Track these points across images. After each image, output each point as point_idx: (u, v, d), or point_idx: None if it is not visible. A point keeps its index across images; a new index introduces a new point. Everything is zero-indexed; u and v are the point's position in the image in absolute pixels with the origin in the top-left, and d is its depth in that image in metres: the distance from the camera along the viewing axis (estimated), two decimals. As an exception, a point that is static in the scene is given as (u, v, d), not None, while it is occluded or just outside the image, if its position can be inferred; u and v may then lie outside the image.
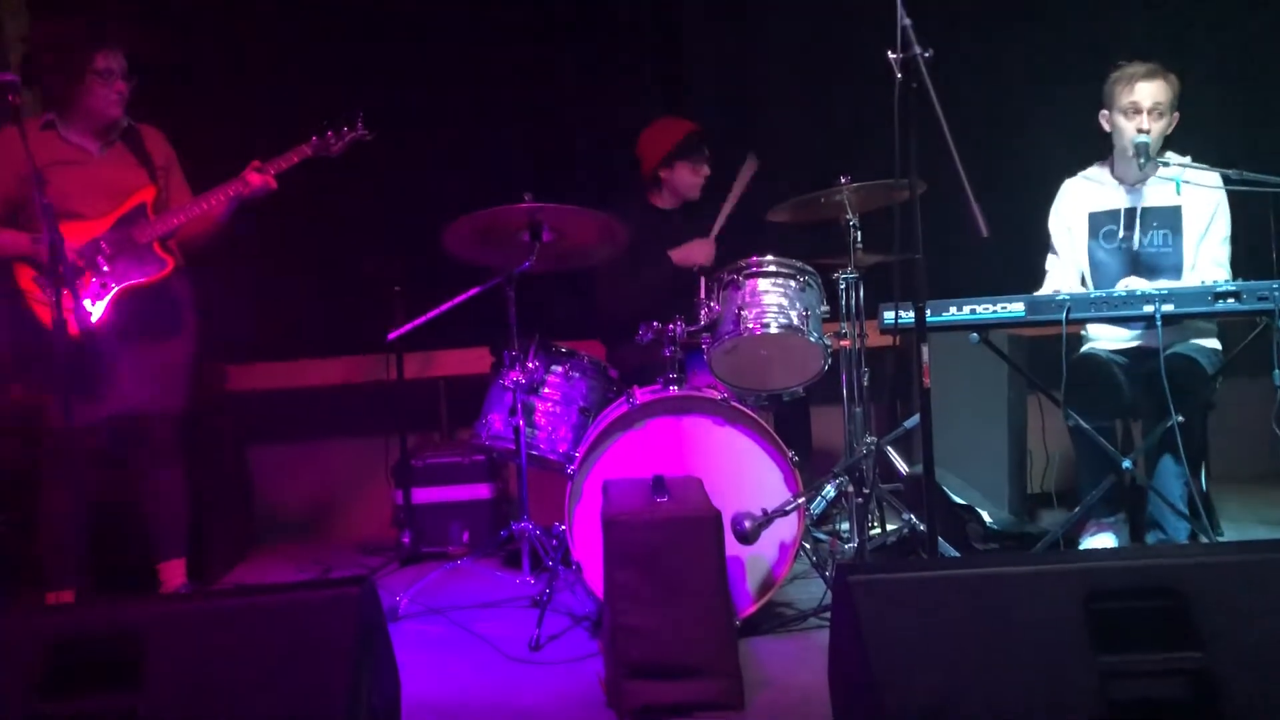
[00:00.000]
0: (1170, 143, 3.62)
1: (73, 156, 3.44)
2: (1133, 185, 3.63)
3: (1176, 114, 3.56)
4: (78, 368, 3.22)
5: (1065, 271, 3.70)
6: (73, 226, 3.30)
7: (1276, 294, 3.02)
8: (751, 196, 4.06)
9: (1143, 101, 3.51)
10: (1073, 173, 3.77)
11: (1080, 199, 3.70)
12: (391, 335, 3.87)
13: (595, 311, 4.21)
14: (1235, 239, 3.61)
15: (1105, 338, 3.65)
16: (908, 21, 2.52)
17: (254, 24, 4.64)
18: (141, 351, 3.49)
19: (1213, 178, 3.50)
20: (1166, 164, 3.55)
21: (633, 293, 3.98)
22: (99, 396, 3.39)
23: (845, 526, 3.72)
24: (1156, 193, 3.59)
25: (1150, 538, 3.56)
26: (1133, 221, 3.60)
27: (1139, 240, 3.59)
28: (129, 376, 3.47)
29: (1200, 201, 3.54)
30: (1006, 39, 4.69)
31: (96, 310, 3.36)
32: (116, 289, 3.40)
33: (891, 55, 2.52)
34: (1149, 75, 3.52)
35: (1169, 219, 3.57)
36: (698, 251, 4.05)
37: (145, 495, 3.63)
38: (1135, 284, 3.45)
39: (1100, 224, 3.65)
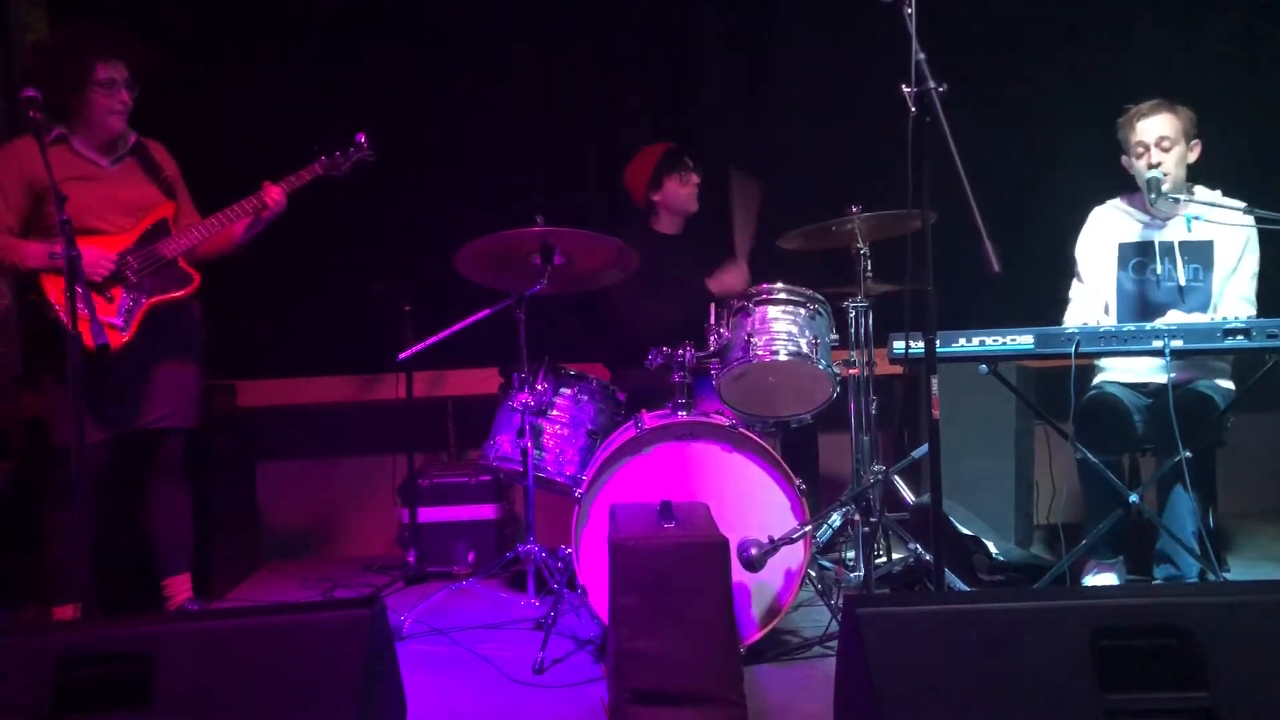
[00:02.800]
0: (1198, 176, 3.64)
1: (85, 172, 3.44)
2: (1164, 219, 3.65)
3: (1197, 143, 3.58)
4: (97, 384, 3.24)
5: (1090, 300, 3.71)
6: (92, 242, 3.32)
7: (1287, 331, 3.03)
8: (764, 222, 4.10)
9: (1147, 137, 3.54)
10: (1100, 201, 3.79)
11: (1110, 228, 3.72)
12: (402, 356, 3.89)
13: (607, 334, 4.23)
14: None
15: (1118, 371, 3.65)
16: (922, 56, 2.55)
17: (260, 46, 4.69)
18: (161, 368, 3.52)
19: (1234, 215, 3.51)
20: (1177, 199, 3.57)
21: (652, 316, 4.00)
22: (114, 412, 3.41)
23: (851, 555, 3.73)
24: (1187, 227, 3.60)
25: (1159, 572, 3.57)
26: (1163, 255, 3.61)
27: (1169, 274, 3.60)
28: (148, 392, 3.50)
29: (1231, 236, 3.56)
30: (1027, 70, 4.74)
31: (128, 326, 3.38)
32: (147, 303, 3.43)
33: (906, 89, 2.55)
34: (1151, 110, 3.56)
35: (1200, 254, 3.58)
36: (733, 279, 4.11)
37: (152, 511, 3.65)
38: (1174, 318, 3.45)
39: (1129, 255, 3.66)
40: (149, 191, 3.56)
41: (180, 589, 3.68)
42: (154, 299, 3.45)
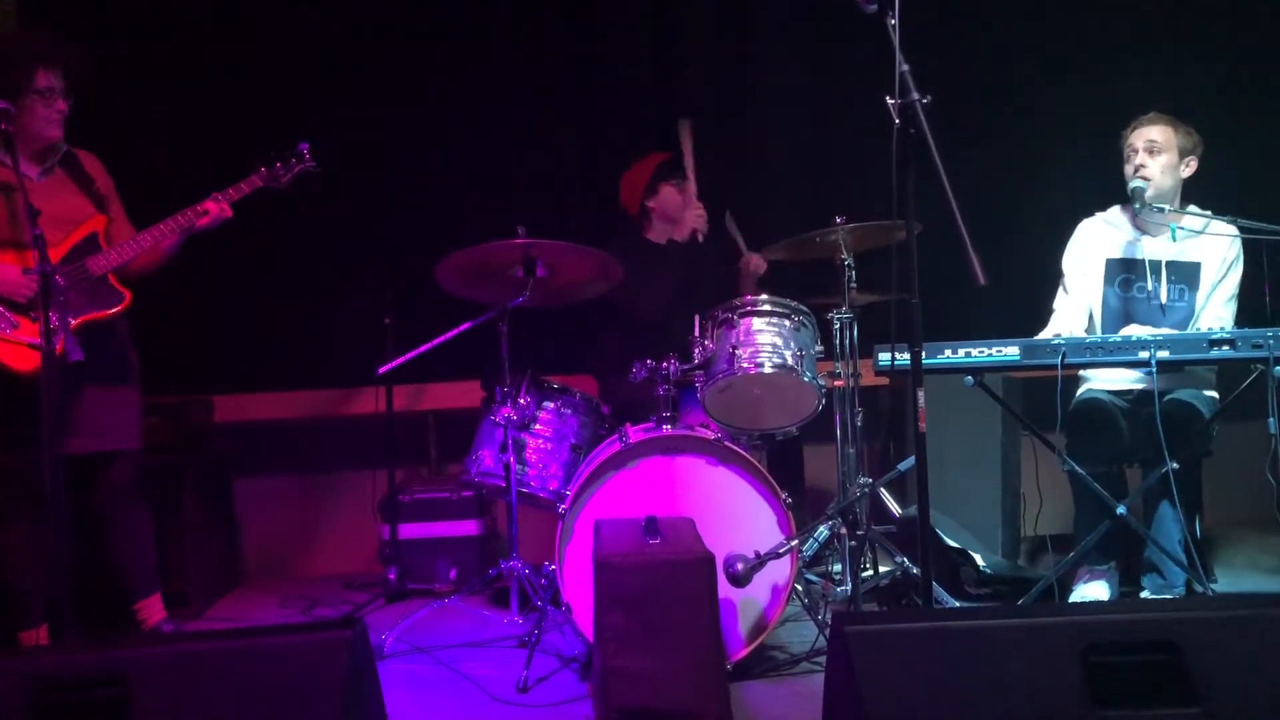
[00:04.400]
0: (1191, 195, 3.66)
1: (12, 182, 3.24)
2: (1153, 235, 3.66)
3: (1193, 160, 3.60)
4: (24, 406, 3.06)
5: (1074, 312, 3.73)
6: (18, 256, 3.22)
7: (1271, 342, 3.06)
8: (749, 235, 4.13)
9: (1137, 142, 3.57)
10: (1089, 213, 3.80)
11: (1097, 242, 3.74)
12: (382, 370, 3.87)
13: (596, 344, 4.22)
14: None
15: (1104, 379, 3.67)
16: (906, 68, 2.55)
17: (230, 50, 4.65)
18: (94, 390, 3.38)
19: (1218, 227, 3.54)
20: (1162, 209, 3.59)
21: (641, 325, 4.00)
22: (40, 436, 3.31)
23: (838, 569, 3.73)
24: (1176, 245, 3.62)
25: (1147, 581, 3.58)
26: (1150, 272, 3.63)
27: (1154, 291, 3.62)
28: (82, 416, 3.36)
29: (1217, 258, 3.59)
30: (1016, 81, 4.76)
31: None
32: (74, 323, 3.27)
33: (890, 101, 2.55)
34: (1150, 120, 3.60)
35: (1187, 273, 3.60)
36: (690, 217, 4.19)
37: (113, 539, 3.55)
38: (1137, 332, 3.47)
39: (1116, 271, 3.67)
40: (79, 204, 3.44)
41: (153, 611, 3.63)
42: (82, 318, 3.31)
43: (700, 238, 4.17)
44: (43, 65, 3.32)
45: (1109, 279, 3.68)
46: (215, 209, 3.44)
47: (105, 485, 3.51)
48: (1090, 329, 3.71)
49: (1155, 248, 3.65)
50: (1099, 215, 3.79)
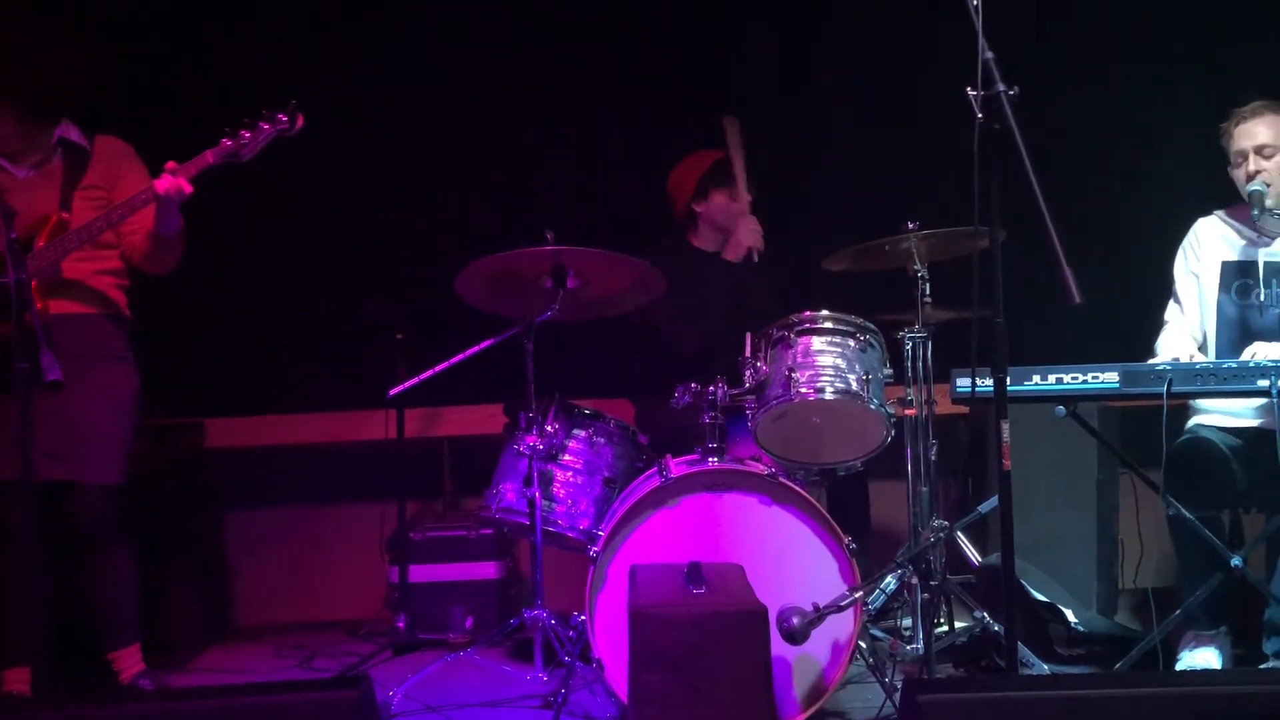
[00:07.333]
0: None
1: None
2: (1273, 237, 3.63)
3: None
4: None
5: (1186, 326, 3.71)
6: None
7: None
8: (808, 243, 4.11)
9: (1245, 144, 3.53)
10: (1194, 217, 3.77)
11: (1214, 243, 3.71)
12: (393, 392, 3.90)
13: (633, 361, 4.23)
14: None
15: (1216, 412, 3.62)
16: (990, 55, 2.55)
17: (232, 29, 4.71)
18: (44, 413, 3.28)
19: None
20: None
21: (684, 341, 4.02)
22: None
23: (908, 624, 3.70)
24: None
25: (1269, 647, 3.52)
26: (1269, 278, 3.58)
27: (1274, 299, 3.57)
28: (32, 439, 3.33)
29: None
30: (1109, 69, 4.72)
31: None
32: None
33: (971, 92, 2.54)
34: (1254, 114, 3.56)
35: None
36: (744, 233, 4.11)
37: (89, 578, 3.58)
38: (1263, 351, 3.42)
39: (1233, 276, 3.64)
40: (45, 200, 3.49)
41: (130, 662, 3.65)
42: None
43: (756, 257, 4.14)
44: None
45: (1224, 285, 3.64)
46: (166, 184, 3.35)
47: (78, 520, 3.50)
48: (1205, 343, 3.66)
49: (1276, 249, 3.61)
50: (1216, 213, 3.75)
